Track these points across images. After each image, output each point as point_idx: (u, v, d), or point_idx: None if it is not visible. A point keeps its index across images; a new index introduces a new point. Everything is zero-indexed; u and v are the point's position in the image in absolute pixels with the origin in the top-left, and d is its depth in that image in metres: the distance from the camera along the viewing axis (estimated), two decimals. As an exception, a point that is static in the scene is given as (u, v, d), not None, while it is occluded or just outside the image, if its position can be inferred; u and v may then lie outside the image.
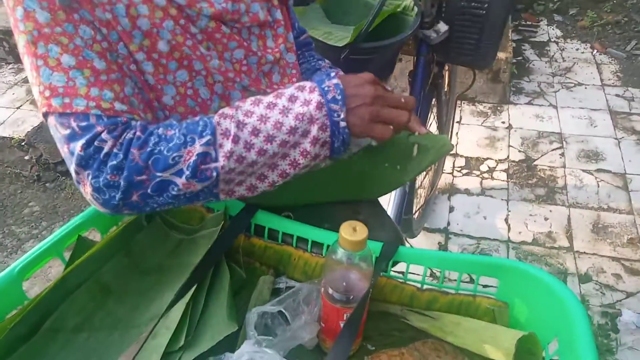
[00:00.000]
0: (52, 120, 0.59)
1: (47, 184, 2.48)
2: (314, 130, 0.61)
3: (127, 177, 0.57)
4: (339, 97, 0.61)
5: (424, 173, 1.83)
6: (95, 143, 0.57)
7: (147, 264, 0.71)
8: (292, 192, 0.71)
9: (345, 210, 0.78)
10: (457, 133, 2.35)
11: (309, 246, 0.72)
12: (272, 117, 0.60)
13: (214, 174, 0.59)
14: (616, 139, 2.27)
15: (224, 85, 0.71)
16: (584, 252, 1.82)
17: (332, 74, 0.64)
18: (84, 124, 0.57)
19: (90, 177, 0.57)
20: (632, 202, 1.98)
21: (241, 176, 0.62)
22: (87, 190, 0.59)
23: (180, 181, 0.58)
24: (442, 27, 1.29)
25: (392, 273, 0.69)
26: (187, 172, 0.58)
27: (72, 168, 0.58)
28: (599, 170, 2.12)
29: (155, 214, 0.75)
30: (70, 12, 0.58)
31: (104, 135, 0.57)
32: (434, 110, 1.60)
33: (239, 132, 0.59)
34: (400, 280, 0.68)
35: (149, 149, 0.58)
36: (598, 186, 2.06)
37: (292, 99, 0.61)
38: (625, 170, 2.11)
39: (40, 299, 0.60)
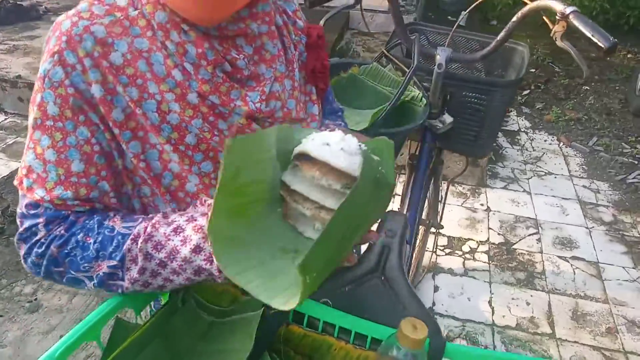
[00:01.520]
0: (20, 191, 0.67)
1: (11, 238, 2.33)
2: (214, 268, 0.61)
3: (46, 265, 0.65)
4: None
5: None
6: (33, 229, 0.65)
7: (181, 349, 0.67)
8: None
9: (386, 299, 0.77)
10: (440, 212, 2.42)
11: (352, 337, 0.70)
12: (177, 260, 0.61)
13: (119, 290, 0.65)
14: (587, 228, 2.39)
15: None
16: (566, 340, 1.85)
17: None
18: (33, 211, 0.65)
19: (23, 251, 0.67)
20: (606, 291, 2.06)
21: (150, 289, 0.66)
22: (21, 258, 0.68)
23: (89, 284, 0.66)
24: (448, 118, 1.36)
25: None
26: (95, 281, 0.65)
27: (17, 234, 0.67)
28: (573, 258, 2.22)
29: (189, 296, 0.72)
30: (77, 112, 0.63)
31: (40, 226, 0.65)
32: (430, 193, 1.66)
33: (146, 263, 0.63)
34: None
35: (66, 251, 0.64)
36: (574, 273, 2.14)
37: (197, 250, 0.61)
38: (597, 259, 2.21)
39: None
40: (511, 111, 3.39)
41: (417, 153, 1.47)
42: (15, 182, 0.66)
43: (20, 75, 3.08)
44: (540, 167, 2.84)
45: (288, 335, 0.71)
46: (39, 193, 0.64)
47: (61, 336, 1.86)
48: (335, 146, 0.56)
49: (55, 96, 0.62)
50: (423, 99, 1.31)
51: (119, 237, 0.64)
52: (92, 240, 0.64)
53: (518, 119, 3.32)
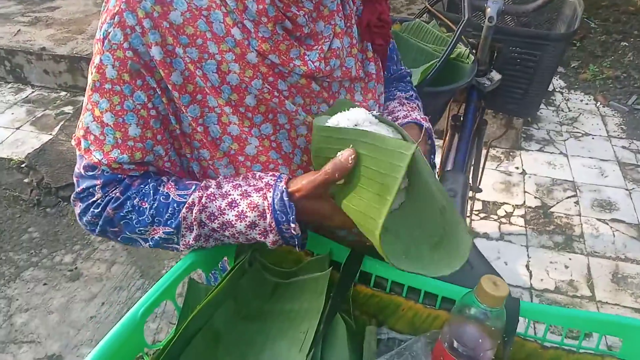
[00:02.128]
0: (77, 151, 0.68)
1: (47, 209, 2.37)
2: (269, 245, 0.65)
3: (102, 224, 0.67)
4: (296, 240, 0.63)
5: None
6: (90, 190, 0.67)
7: (250, 310, 0.67)
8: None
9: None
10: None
11: (421, 297, 0.68)
12: (230, 230, 0.64)
13: (174, 250, 0.69)
14: (627, 189, 2.32)
15: (307, 139, 0.71)
16: (607, 302, 1.82)
17: (291, 217, 0.61)
18: (90, 173, 0.66)
19: (79, 210, 0.69)
20: (649, 253, 2.01)
21: (201, 247, 0.69)
22: (77, 215, 0.70)
23: (145, 245, 0.68)
24: (496, 75, 1.31)
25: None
26: (150, 243, 0.67)
27: (73, 193, 0.69)
28: (613, 220, 2.16)
29: (255, 258, 0.71)
30: (135, 76, 0.62)
31: (97, 188, 0.66)
32: (473, 155, 1.61)
33: (201, 230, 0.65)
34: (521, 337, 0.65)
35: (122, 214, 0.66)
36: (614, 236, 2.09)
37: (252, 225, 0.63)
38: (638, 221, 2.16)
39: (169, 348, 0.55)
40: (544, 71, 3.27)
41: (458, 113, 1.42)
42: (73, 142, 0.67)
43: (45, 48, 3.07)
44: (576, 128, 2.75)
45: (354, 295, 0.70)
46: (96, 156, 0.64)
47: (103, 303, 1.92)
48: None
49: (113, 59, 0.61)
50: (470, 55, 1.26)
51: (174, 205, 0.65)
52: (147, 206, 0.65)
53: (553, 79, 3.20)
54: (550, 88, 3.10)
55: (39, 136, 2.73)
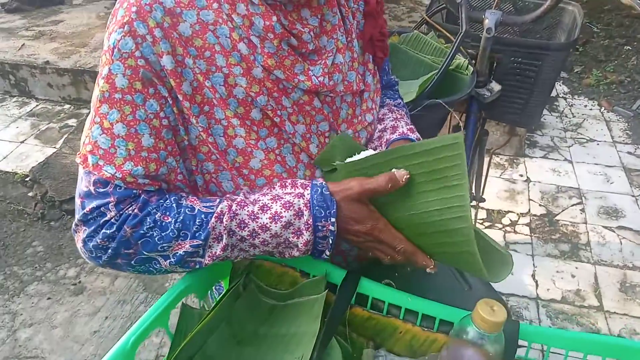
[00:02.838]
0: (80, 170, 0.63)
1: (51, 223, 2.38)
2: (296, 253, 0.64)
3: (115, 247, 0.61)
4: (330, 240, 0.63)
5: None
6: (101, 209, 0.61)
7: (245, 334, 0.66)
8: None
9: (446, 279, 0.73)
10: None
11: (419, 319, 0.67)
12: (262, 236, 0.62)
13: (197, 266, 0.64)
14: (633, 196, 2.29)
15: (309, 155, 0.72)
16: (615, 312, 1.80)
17: (332, 211, 0.62)
18: (101, 189, 0.61)
19: (85, 234, 0.62)
20: (657, 261, 1.98)
21: (225, 259, 0.66)
22: (79, 244, 0.64)
23: (164, 263, 0.63)
24: (495, 86, 1.30)
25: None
26: (172, 260, 0.62)
27: (75, 218, 0.63)
28: (620, 228, 2.13)
29: (250, 280, 0.70)
30: (147, 85, 0.60)
31: (110, 206, 0.61)
32: (475, 165, 1.60)
33: (229, 240, 0.62)
34: (521, 360, 0.64)
35: (141, 231, 0.61)
36: (621, 244, 2.06)
37: (287, 225, 0.62)
38: (646, 228, 2.13)
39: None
40: (547, 77, 3.25)
41: (459, 125, 1.41)
42: (78, 160, 0.62)
43: (49, 61, 3.09)
44: (581, 134, 2.72)
45: (351, 318, 0.69)
46: (108, 170, 0.60)
47: (106, 317, 1.91)
48: None
49: (124, 68, 0.59)
50: (469, 66, 1.25)
51: (202, 216, 0.62)
52: (171, 220, 0.61)
53: (556, 84, 3.18)
54: (554, 94, 3.08)
55: (43, 149, 2.74)
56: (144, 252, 0.62)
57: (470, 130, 1.32)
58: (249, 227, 0.62)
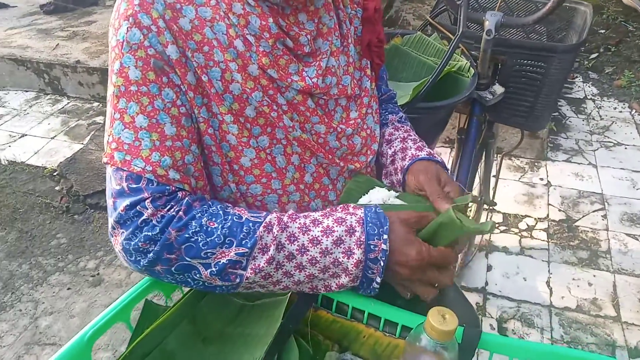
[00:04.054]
0: (109, 170, 0.61)
1: (75, 216, 2.48)
2: (344, 279, 0.62)
3: (158, 251, 0.58)
4: (382, 262, 0.61)
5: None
6: (137, 207, 0.58)
7: (210, 332, 0.67)
8: None
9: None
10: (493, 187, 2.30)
11: (381, 324, 0.67)
12: (311, 252, 0.61)
13: (237, 280, 0.60)
14: (661, 203, 2.19)
15: (300, 158, 0.72)
16: (633, 324, 1.72)
17: (385, 228, 0.62)
18: (134, 185, 0.59)
19: (123, 237, 0.59)
20: (681, 272, 1.88)
21: (262, 285, 0.63)
22: (117, 247, 0.60)
23: (205, 272, 0.59)
24: (498, 89, 1.27)
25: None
26: (214, 269, 0.59)
27: (110, 220, 0.60)
28: (644, 236, 2.04)
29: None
30: (160, 74, 0.60)
31: (147, 203, 0.58)
32: (481, 168, 1.57)
33: (276, 253, 0.60)
34: (483, 370, 0.63)
35: (186, 235, 0.58)
36: (644, 252, 1.97)
37: (338, 242, 0.61)
38: (672, 237, 2.03)
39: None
40: (576, 77, 3.14)
41: (465, 127, 1.38)
42: (105, 160, 0.61)
43: (80, 60, 3.22)
44: (608, 137, 2.62)
45: (316, 320, 0.69)
46: (137, 164, 0.59)
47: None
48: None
49: (135, 59, 0.60)
50: (471, 68, 1.23)
51: (250, 224, 0.60)
52: (217, 226, 0.60)
53: (584, 86, 3.07)
54: (582, 95, 2.97)
55: (71, 145, 2.86)
56: (186, 258, 0.58)
57: (472, 133, 1.29)
58: (298, 241, 0.60)
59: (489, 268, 1.95)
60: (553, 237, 2.07)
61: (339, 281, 0.62)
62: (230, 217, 0.61)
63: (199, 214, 0.60)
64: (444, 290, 0.74)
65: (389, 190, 0.75)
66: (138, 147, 0.59)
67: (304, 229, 0.61)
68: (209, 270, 0.59)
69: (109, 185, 0.61)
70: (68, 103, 3.28)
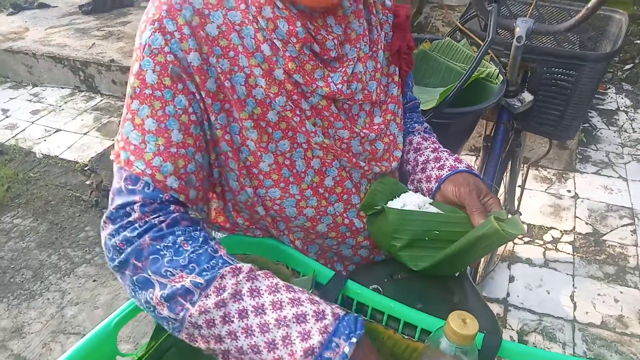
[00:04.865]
0: (114, 167, 0.64)
1: (104, 210, 2.54)
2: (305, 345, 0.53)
3: (129, 253, 0.58)
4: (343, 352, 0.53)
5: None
6: (127, 208, 0.60)
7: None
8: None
9: (438, 289, 0.73)
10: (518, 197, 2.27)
11: (400, 327, 0.67)
12: (267, 316, 0.55)
13: (182, 314, 0.56)
14: (694, 220, 2.12)
15: (322, 161, 0.72)
16: (660, 343, 1.67)
17: (358, 333, 0.54)
18: (130, 187, 0.61)
19: (108, 232, 0.60)
20: None
21: (204, 337, 0.57)
22: (103, 239, 0.62)
23: (157, 293, 0.57)
24: (527, 96, 1.25)
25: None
26: (165, 292, 0.56)
27: (105, 215, 0.62)
28: (675, 253, 1.98)
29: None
30: (176, 80, 0.62)
31: (136, 206, 0.60)
32: (506, 178, 1.55)
33: (229, 300, 0.55)
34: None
35: (157, 247, 0.58)
36: (675, 270, 1.91)
37: (301, 318, 0.54)
38: None
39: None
40: (609, 88, 3.06)
41: (491, 134, 1.37)
42: (112, 156, 0.63)
43: (114, 59, 3.31)
44: (640, 150, 2.55)
45: (336, 320, 0.70)
46: (138, 165, 0.60)
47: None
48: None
49: (154, 64, 0.61)
50: (499, 75, 1.22)
51: (220, 261, 0.59)
52: (189, 249, 0.59)
53: (617, 97, 2.99)
54: (614, 107, 2.90)
55: (102, 141, 2.94)
56: (149, 272, 0.58)
57: (498, 141, 1.28)
58: (261, 298, 0.55)
59: (512, 279, 1.92)
60: (579, 250, 2.02)
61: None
62: (206, 247, 0.60)
63: (179, 232, 0.60)
64: (464, 297, 0.74)
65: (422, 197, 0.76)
66: (143, 149, 0.61)
67: (273, 288, 0.57)
68: (161, 292, 0.57)
69: (113, 181, 0.64)
70: (101, 100, 3.38)
